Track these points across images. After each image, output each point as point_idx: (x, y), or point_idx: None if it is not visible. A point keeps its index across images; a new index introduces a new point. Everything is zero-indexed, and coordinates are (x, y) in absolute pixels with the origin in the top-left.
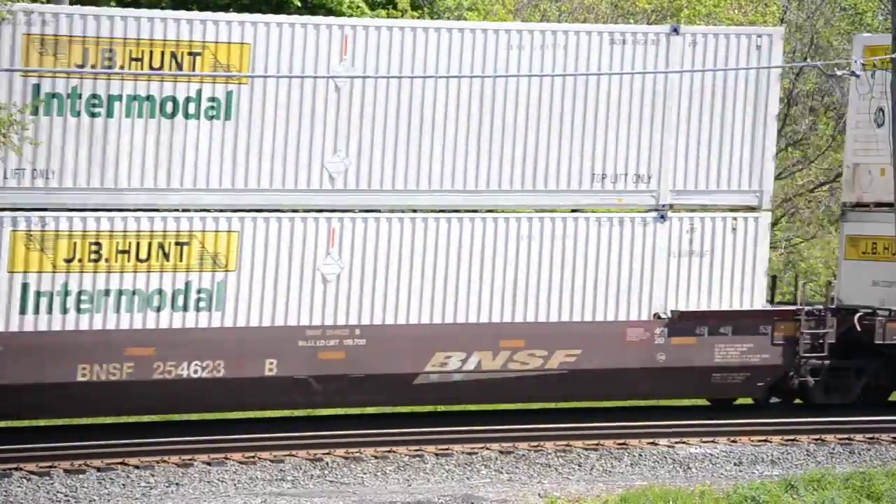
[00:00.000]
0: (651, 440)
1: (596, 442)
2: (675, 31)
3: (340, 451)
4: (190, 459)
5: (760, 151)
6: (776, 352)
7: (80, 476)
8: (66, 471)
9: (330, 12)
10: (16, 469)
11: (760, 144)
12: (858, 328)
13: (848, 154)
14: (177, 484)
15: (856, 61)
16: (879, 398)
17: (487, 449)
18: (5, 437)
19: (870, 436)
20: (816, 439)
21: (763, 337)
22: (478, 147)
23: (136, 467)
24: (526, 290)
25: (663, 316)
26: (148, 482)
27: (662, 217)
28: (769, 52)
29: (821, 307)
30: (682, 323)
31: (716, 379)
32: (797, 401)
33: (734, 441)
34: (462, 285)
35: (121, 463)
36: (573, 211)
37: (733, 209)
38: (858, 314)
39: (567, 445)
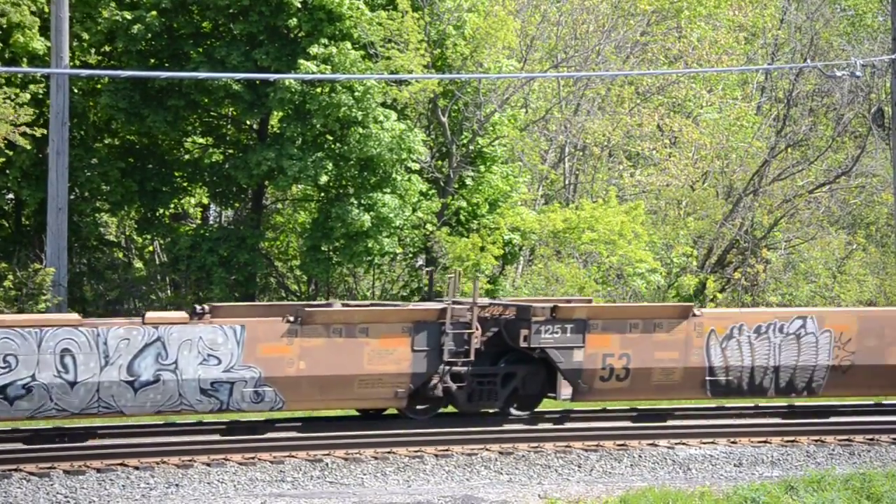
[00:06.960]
0: (651, 441)
1: (596, 443)
2: None
3: (340, 452)
4: (190, 460)
5: None
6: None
7: (80, 477)
8: (65, 472)
9: (330, 13)
10: (15, 470)
11: None
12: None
13: None
14: (176, 485)
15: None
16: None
17: (487, 450)
18: (5, 438)
19: (870, 437)
20: (816, 440)
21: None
22: None
23: (136, 468)
24: None
25: None
26: (148, 483)
27: None
28: None
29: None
30: None
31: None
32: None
33: (734, 442)
34: None
35: (120, 464)
36: None
37: None
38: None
39: (567, 447)
